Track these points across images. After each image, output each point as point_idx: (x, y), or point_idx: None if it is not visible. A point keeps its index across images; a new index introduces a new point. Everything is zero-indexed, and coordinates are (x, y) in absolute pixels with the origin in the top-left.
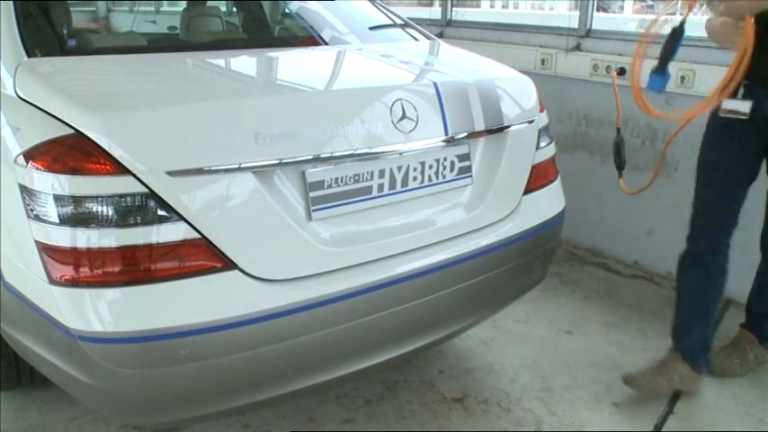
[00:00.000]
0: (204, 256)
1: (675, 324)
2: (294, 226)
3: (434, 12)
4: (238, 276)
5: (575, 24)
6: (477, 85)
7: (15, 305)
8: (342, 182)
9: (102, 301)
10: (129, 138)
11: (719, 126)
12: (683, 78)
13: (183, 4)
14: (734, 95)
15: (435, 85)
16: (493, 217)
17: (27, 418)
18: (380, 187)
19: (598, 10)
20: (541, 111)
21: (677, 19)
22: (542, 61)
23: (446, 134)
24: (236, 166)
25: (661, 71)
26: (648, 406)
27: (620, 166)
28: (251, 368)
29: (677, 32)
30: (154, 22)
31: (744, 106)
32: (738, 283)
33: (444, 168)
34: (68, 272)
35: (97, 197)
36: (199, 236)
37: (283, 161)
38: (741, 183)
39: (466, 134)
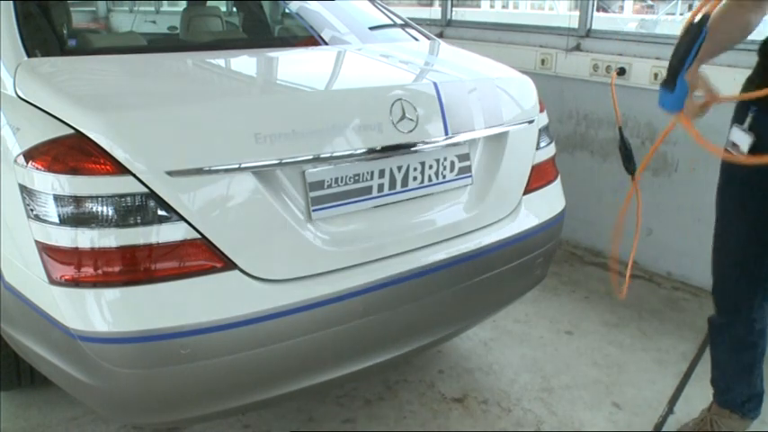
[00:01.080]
0: (204, 256)
1: (714, 379)
2: (294, 226)
3: (434, 12)
4: (238, 276)
5: (575, 24)
6: (477, 85)
7: (15, 305)
8: (342, 182)
9: (102, 301)
10: (130, 138)
11: (724, 171)
12: None
13: (183, 4)
14: (740, 122)
15: (435, 85)
16: (493, 217)
17: (27, 418)
18: (380, 187)
19: (598, 10)
20: (541, 111)
21: (678, 19)
22: (542, 61)
23: (446, 134)
24: (236, 166)
25: (673, 84)
26: (648, 406)
27: (631, 170)
28: (251, 368)
29: (695, 31)
30: (154, 22)
31: (744, 140)
32: None
33: (444, 168)
34: (68, 272)
35: (97, 197)
36: (199, 236)
37: (283, 161)
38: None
39: (466, 134)
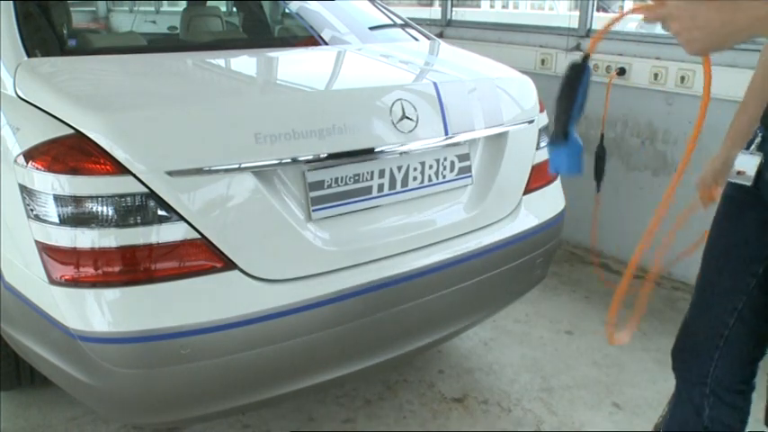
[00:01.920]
0: (204, 256)
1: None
2: (294, 226)
3: (434, 12)
4: (238, 276)
5: (575, 24)
6: (477, 84)
7: (15, 305)
8: (342, 182)
9: (102, 301)
10: (130, 138)
11: (721, 204)
12: (682, 78)
13: (183, 4)
14: (747, 146)
15: (435, 85)
16: (493, 217)
17: (27, 418)
18: (380, 187)
19: (598, 10)
20: (541, 111)
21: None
22: (542, 61)
23: (446, 134)
24: (236, 166)
25: (564, 138)
26: (648, 406)
27: (599, 177)
28: (251, 368)
29: (578, 70)
30: (154, 22)
31: (751, 163)
32: None
33: (444, 168)
34: (68, 272)
35: (97, 197)
36: (199, 236)
37: (283, 161)
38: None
39: (466, 134)
